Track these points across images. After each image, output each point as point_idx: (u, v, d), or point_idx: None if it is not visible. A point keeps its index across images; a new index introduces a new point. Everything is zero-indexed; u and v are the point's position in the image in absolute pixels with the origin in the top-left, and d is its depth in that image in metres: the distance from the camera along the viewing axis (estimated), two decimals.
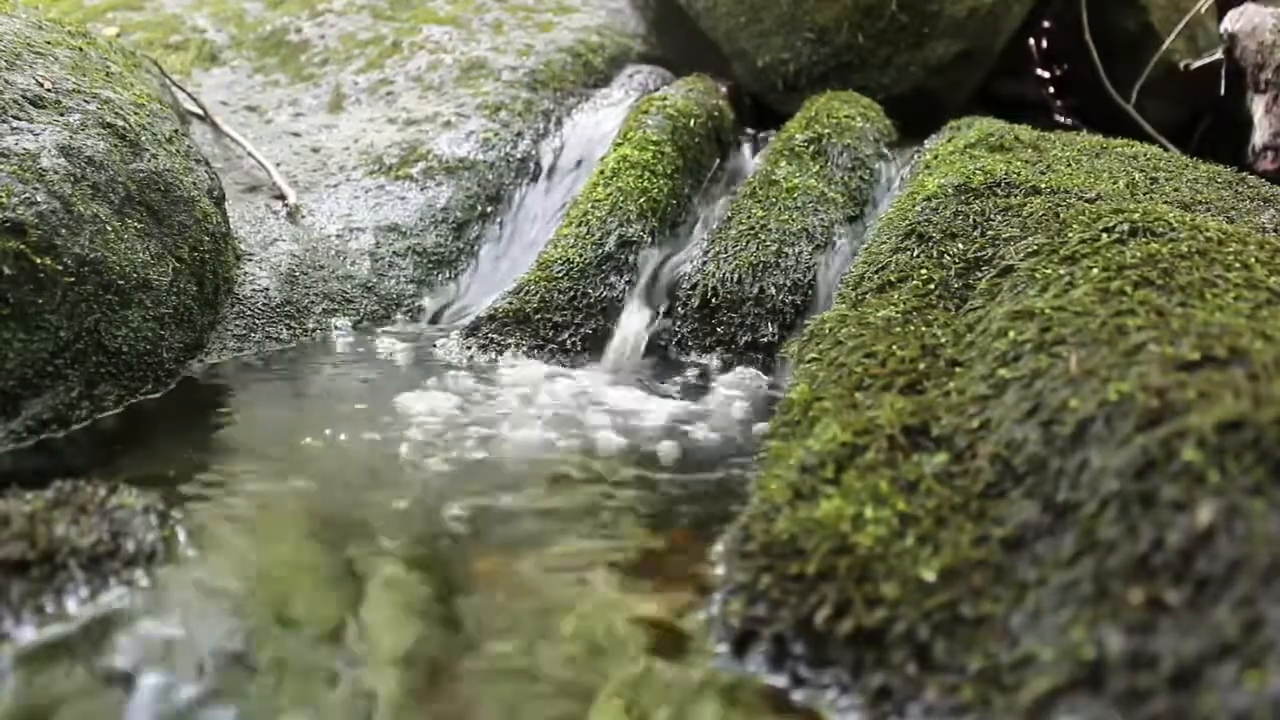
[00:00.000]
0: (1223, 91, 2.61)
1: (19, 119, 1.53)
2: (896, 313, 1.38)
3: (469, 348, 1.86)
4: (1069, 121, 2.90)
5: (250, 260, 1.98)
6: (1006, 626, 0.82)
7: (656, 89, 2.59)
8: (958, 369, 1.18)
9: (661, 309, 1.93)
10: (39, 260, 1.39)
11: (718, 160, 2.42)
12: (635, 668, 0.91)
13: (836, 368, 1.28)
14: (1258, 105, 2.44)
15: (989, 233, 1.54)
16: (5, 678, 0.83)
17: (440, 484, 1.31)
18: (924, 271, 1.50)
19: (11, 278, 1.35)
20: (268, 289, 1.94)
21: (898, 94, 2.63)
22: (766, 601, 0.93)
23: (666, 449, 1.45)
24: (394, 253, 2.15)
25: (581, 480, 1.35)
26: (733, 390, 1.72)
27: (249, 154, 2.32)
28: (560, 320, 1.91)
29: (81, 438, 1.43)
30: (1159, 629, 0.72)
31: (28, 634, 0.88)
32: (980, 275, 1.42)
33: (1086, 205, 1.50)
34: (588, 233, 2.03)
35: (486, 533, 1.18)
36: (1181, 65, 2.84)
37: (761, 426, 1.51)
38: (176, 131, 1.88)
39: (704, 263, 1.94)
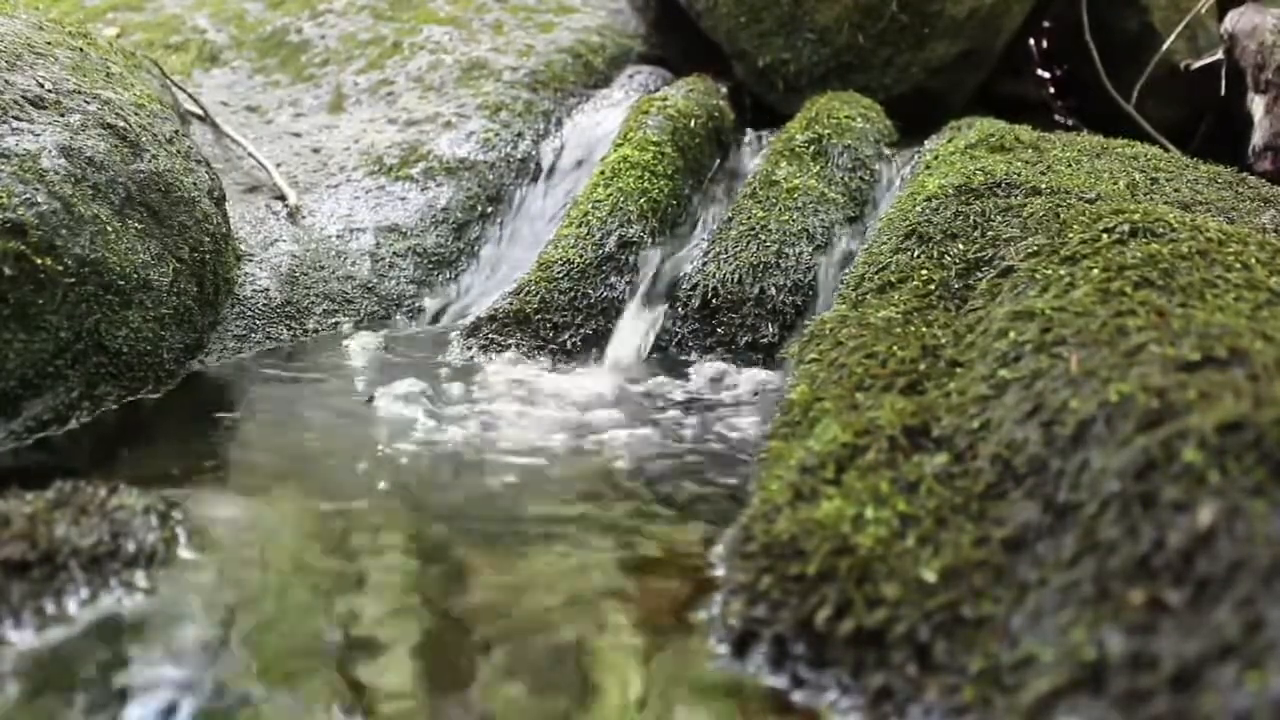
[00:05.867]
0: (1223, 91, 2.60)
1: (19, 119, 1.53)
2: (897, 313, 1.38)
3: (469, 348, 1.86)
4: (1069, 122, 2.90)
5: (251, 261, 1.98)
6: (1007, 627, 0.82)
7: (657, 89, 2.58)
8: (958, 369, 1.18)
9: (662, 310, 1.93)
10: (39, 261, 1.39)
11: (718, 160, 2.42)
12: (635, 668, 0.91)
13: (837, 368, 1.28)
14: (1258, 105, 2.44)
15: (989, 233, 1.54)
16: (5, 679, 0.83)
17: (440, 485, 1.31)
18: (924, 272, 1.50)
19: (12, 278, 1.35)
20: (268, 289, 1.94)
21: (898, 94, 2.63)
22: (767, 602, 0.93)
23: (666, 449, 1.45)
24: (394, 253, 2.15)
25: (581, 481, 1.35)
26: (733, 391, 1.72)
27: (249, 154, 2.32)
28: (560, 321, 1.91)
29: (82, 438, 1.43)
30: (1160, 630, 0.72)
31: (28, 636, 0.88)
32: (981, 276, 1.42)
33: (1087, 206, 1.49)
34: (588, 233, 2.03)
35: (486, 533, 1.18)
36: (1182, 65, 2.84)
37: (762, 427, 1.51)
38: (177, 132, 1.88)
39: (704, 263, 1.94)
